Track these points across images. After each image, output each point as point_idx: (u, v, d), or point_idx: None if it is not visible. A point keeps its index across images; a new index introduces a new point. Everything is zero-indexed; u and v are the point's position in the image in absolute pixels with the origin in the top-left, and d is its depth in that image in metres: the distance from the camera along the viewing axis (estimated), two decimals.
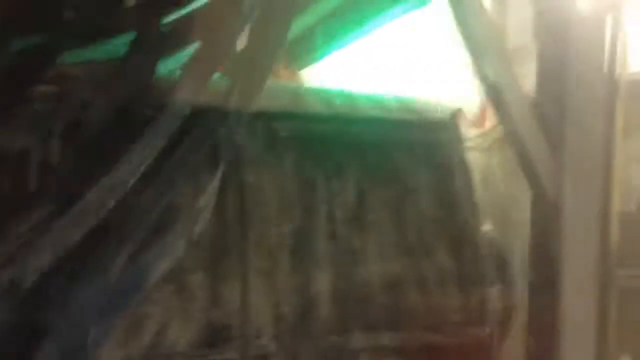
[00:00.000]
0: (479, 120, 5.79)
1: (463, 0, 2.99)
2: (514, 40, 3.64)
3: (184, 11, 2.91)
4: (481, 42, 3.02)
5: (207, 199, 2.46)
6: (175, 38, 2.89)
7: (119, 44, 2.74)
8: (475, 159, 6.13)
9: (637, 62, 3.67)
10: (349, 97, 3.34)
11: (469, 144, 6.25)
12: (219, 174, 2.48)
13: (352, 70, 5.54)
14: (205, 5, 2.90)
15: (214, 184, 2.48)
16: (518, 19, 3.60)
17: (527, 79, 3.20)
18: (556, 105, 3.05)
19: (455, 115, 3.20)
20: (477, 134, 6.01)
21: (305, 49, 4.51)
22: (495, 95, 3.06)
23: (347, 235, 2.86)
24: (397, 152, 3.05)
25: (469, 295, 2.97)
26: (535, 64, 3.15)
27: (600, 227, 3.09)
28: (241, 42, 2.78)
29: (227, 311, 2.75)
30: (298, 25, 3.82)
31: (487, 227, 3.55)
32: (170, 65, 3.06)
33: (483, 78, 3.08)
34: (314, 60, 4.71)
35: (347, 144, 3.00)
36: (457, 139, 3.18)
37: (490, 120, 5.88)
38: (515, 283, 3.41)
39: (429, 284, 3.10)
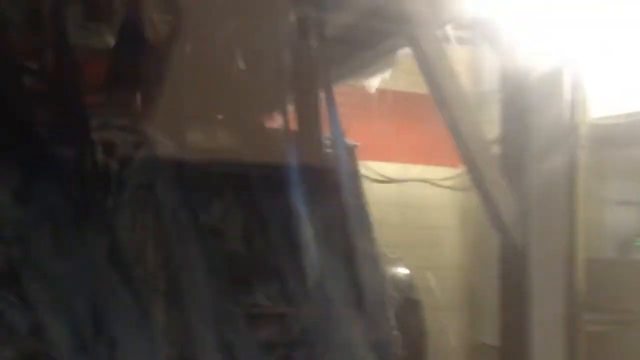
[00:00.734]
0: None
1: (427, 50, 3.06)
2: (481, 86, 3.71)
3: None
4: (445, 90, 3.08)
5: None
6: None
7: None
8: (452, 198, 6.22)
9: (610, 108, 3.77)
10: None
11: (446, 183, 6.35)
12: None
13: None
14: None
15: None
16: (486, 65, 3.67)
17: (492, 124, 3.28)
18: (519, 153, 3.12)
19: (351, 150, 3.11)
20: (454, 173, 6.09)
21: None
22: (460, 143, 3.12)
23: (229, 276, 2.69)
24: (287, 187, 2.86)
25: (366, 339, 2.83)
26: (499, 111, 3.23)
27: (566, 272, 3.14)
28: None
29: None
30: None
31: (401, 268, 3.48)
32: None
33: (449, 126, 3.14)
34: None
35: (230, 176, 2.81)
36: (353, 174, 3.04)
37: None
38: (425, 324, 3.35)
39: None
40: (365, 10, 3.30)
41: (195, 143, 2.67)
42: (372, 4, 3.23)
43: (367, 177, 6.02)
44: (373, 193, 5.75)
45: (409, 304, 3.25)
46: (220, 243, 2.57)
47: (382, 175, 6.01)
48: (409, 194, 6.04)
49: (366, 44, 3.71)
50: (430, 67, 3.04)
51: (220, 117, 2.77)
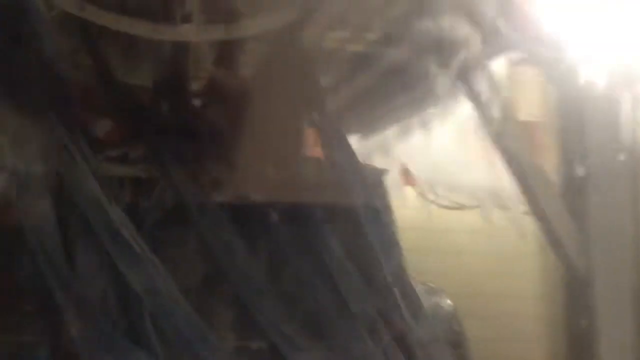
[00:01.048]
0: None
1: (475, 81, 3.06)
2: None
3: None
4: (496, 119, 3.06)
5: None
6: None
7: None
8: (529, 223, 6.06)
9: None
10: None
11: (522, 208, 6.19)
12: None
13: None
14: None
15: None
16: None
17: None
18: (579, 178, 3.05)
19: (381, 176, 3.04)
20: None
21: None
22: (517, 173, 3.08)
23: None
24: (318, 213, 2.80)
25: None
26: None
27: (635, 300, 3.02)
28: None
29: None
30: None
31: (443, 300, 3.40)
32: None
33: (505, 158, 3.10)
34: None
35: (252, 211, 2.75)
36: (384, 201, 2.96)
37: None
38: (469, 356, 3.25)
39: None
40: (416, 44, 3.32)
41: (219, 178, 2.73)
42: (423, 38, 3.25)
43: (438, 204, 5.97)
44: (445, 220, 5.71)
45: (451, 335, 3.18)
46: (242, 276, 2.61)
47: (453, 202, 5.93)
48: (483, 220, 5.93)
49: (418, 78, 3.72)
50: (479, 98, 3.03)
51: (238, 153, 2.82)
